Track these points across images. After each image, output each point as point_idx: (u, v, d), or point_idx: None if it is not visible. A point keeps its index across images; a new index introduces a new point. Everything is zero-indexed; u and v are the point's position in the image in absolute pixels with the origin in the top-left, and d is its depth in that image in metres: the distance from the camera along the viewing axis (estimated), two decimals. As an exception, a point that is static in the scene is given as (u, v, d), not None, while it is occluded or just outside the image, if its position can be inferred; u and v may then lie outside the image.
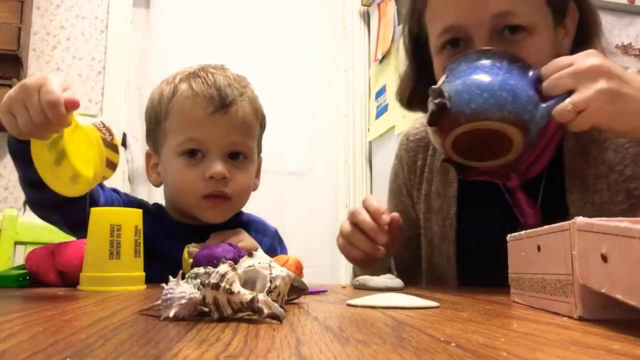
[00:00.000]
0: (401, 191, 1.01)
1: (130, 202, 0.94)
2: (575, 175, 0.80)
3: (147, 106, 0.96)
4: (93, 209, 0.69)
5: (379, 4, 2.59)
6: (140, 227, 0.69)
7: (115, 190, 0.93)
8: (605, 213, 0.77)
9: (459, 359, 0.24)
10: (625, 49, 2.03)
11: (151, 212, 0.93)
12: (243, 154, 0.92)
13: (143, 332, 0.31)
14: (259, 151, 1.01)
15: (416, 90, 0.90)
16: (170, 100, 0.90)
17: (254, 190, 1.00)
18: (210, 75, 0.91)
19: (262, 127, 1.00)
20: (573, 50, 0.77)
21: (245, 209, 1.00)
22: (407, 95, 0.92)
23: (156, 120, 0.93)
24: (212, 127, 0.88)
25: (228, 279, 0.36)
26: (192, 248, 0.77)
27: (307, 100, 2.71)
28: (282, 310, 0.36)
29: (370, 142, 2.65)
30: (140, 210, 0.70)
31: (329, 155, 2.70)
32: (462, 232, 0.88)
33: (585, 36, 0.80)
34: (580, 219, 0.38)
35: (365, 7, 2.78)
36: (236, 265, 0.39)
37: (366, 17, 2.79)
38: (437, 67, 0.81)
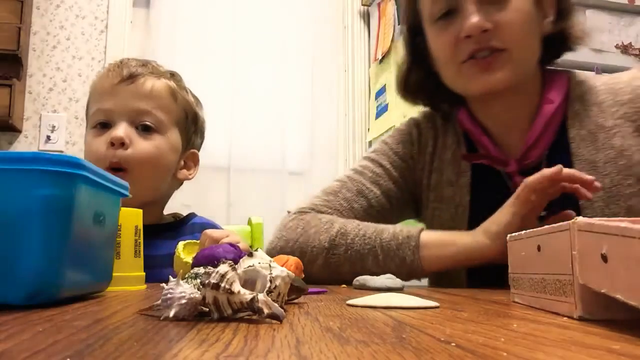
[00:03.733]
0: (395, 159, 0.97)
1: None
2: (583, 160, 0.83)
3: None
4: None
5: (379, 4, 2.59)
6: (141, 227, 0.69)
7: None
8: (616, 195, 0.81)
9: (459, 359, 0.24)
10: (625, 49, 2.02)
11: None
12: (152, 125, 0.90)
13: (143, 332, 0.31)
14: (189, 142, 0.98)
15: (412, 77, 0.95)
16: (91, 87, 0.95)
17: (183, 179, 0.98)
18: (127, 59, 0.94)
19: (189, 119, 0.97)
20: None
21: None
22: (404, 83, 0.96)
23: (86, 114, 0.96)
24: (118, 96, 0.89)
25: (228, 279, 0.36)
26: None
27: (307, 100, 2.71)
28: (282, 310, 0.36)
29: (370, 142, 2.65)
30: (140, 211, 0.70)
31: (329, 155, 2.70)
32: (473, 220, 0.89)
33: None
34: (580, 219, 0.38)
35: (365, 7, 2.77)
36: (236, 265, 0.39)
37: (366, 17, 2.79)
38: (432, 36, 0.87)
